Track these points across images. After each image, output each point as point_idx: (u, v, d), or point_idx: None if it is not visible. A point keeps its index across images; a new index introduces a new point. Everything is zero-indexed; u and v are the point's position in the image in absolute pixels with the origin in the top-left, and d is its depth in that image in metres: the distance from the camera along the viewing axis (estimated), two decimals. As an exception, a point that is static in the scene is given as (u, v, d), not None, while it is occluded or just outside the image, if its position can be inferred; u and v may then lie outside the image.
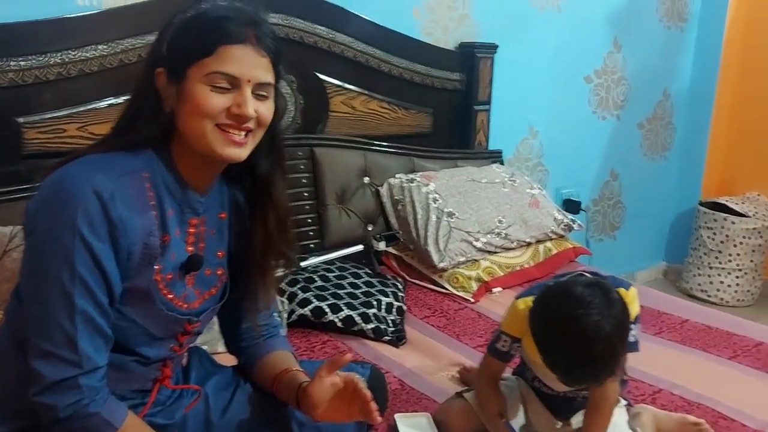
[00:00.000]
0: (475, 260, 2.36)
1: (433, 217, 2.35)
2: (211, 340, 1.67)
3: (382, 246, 2.33)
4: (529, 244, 2.49)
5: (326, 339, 1.89)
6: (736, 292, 3.51)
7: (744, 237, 3.44)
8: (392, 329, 1.95)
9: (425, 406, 1.56)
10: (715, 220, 3.49)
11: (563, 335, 1.20)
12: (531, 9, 3.01)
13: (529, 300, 1.33)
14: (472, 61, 2.74)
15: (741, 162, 3.74)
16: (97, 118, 1.89)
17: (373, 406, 1.14)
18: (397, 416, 1.46)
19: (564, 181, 3.38)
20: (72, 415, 1.02)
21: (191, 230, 1.17)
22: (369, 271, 2.21)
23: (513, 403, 1.46)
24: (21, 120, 1.80)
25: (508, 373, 1.57)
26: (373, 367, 1.49)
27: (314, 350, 1.83)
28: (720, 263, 3.51)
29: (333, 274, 2.10)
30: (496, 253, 2.41)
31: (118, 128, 1.12)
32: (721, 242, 3.48)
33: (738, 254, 3.47)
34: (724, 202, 3.53)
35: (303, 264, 2.15)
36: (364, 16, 2.45)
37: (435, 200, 2.39)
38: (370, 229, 2.45)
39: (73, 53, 1.85)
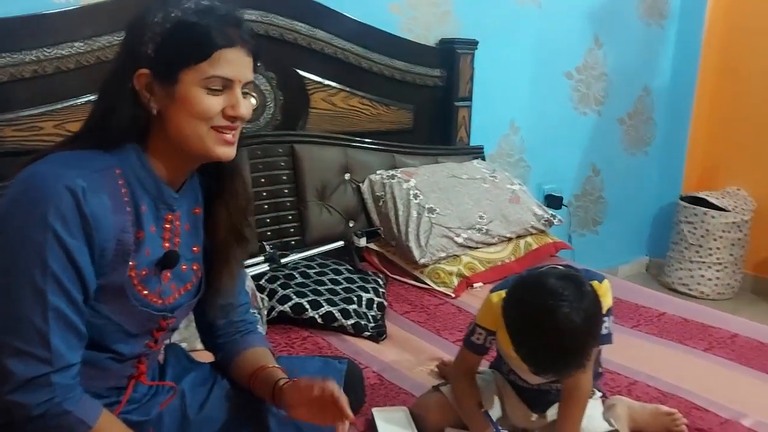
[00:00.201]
0: (456, 256, 2.37)
1: (414, 213, 2.36)
2: (190, 337, 1.67)
3: (362, 242, 2.33)
4: (509, 240, 2.51)
5: (306, 335, 1.89)
6: (716, 285, 3.55)
7: (724, 231, 3.48)
8: (372, 325, 1.96)
9: (403, 400, 1.57)
10: (696, 215, 3.53)
11: (534, 326, 1.21)
12: (513, 5, 3.02)
13: (503, 293, 1.34)
14: (452, 57, 2.75)
15: (721, 156, 3.77)
16: (75, 115, 1.88)
17: (349, 415, 1.14)
18: (375, 410, 1.47)
19: (546, 176, 3.40)
20: (45, 413, 1.01)
21: (167, 226, 1.17)
22: (350, 268, 2.21)
23: (489, 396, 1.47)
24: (-3, 118, 1.80)
25: (485, 366, 1.58)
26: (350, 361, 1.50)
27: (294, 346, 1.83)
28: (700, 257, 3.54)
29: (313, 271, 2.11)
30: (476, 248, 2.42)
31: (89, 126, 1.12)
32: (702, 236, 3.52)
33: (718, 248, 3.50)
34: (704, 196, 3.57)
35: (283, 261, 2.15)
36: (343, 13, 2.45)
37: (416, 196, 2.40)
38: (351, 225, 2.46)
39: (49, 50, 1.84)
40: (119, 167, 1.08)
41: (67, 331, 1.02)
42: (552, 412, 1.43)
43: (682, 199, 3.65)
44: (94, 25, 1.91)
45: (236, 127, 1.11)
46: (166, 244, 1.16)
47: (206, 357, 1.42)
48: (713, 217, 3.48)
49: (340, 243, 2.31)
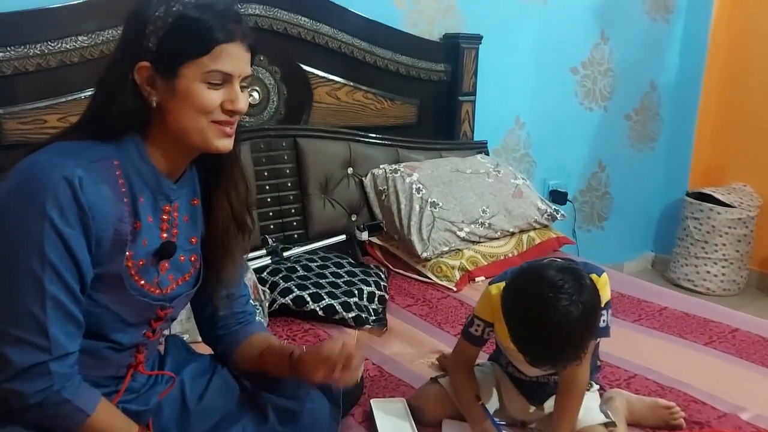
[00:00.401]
0: (459, 250, 2.37)
1: (417, 207, 2.36)
2: (191, 329, 1.68)
3: (364, 236, 2.34)
4: (512, 234, 2.51)
5: (308, 327, 1.90)
6: (722, 282, 3.53)
7: (729, 227, 3.46)
8: (373, 318, 1.96)
9: (403, 392, 1.58)
10: (701, 211, 3.51)
11: (533, 318, 1.22)
12: (517, 0, 3.01)
13: (502, 285, 1.34)
14: (456, 52, 2.75)
15: (727, 152, 3.75)
16: (78, 109, 1.85)
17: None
18: (373, 401, 1.47)
19: (551, 172, 3.39)
20: (42, 401, 1.03)
21: (164, 217, 1.18)
22: (352, 261, 2.22)
23: (487, 388, 1.47)
24: (1, 111, 1.82)
25: (484, 359, 1.59)
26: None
27: (296, 339, 1.84)
28: (706, 253, 3.53)
29: (315, 264, 2.12)
30: (479, 242, 2.43)
31: (87, 117, 1.13)
32: (707, 232, 3.50)
33: (724, 244, 3.48)
34: (710, 192, 3.55)
35: (286, 254, 2.16)
36: (348, 8, 2.46)
37: (418, 190, 2.40)
38: (354, 219, 2.46)
39: (53, 44, 1.86)
40: (117, 158, 1.09)
41: (65, 319, 1.04)
42: (550, 405, 1.43)
43: (688, 195, 3.64)
44: (97, 19, 1.92)
45: (234, 120, 1.13)
46: (164, 235, 1.18)
47: (207, 349, 1.43)
48: (719, 213, 3.46)
49: (343, 237, 2.32)
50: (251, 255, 2.09)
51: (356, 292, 2.01)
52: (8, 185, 1.04)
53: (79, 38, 1.90)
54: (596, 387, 1.48)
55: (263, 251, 2.13)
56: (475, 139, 2.90)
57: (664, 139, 3.85)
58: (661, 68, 3.72)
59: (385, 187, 2.44)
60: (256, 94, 2.30)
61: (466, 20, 2.85)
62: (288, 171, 2.35)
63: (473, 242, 2.41)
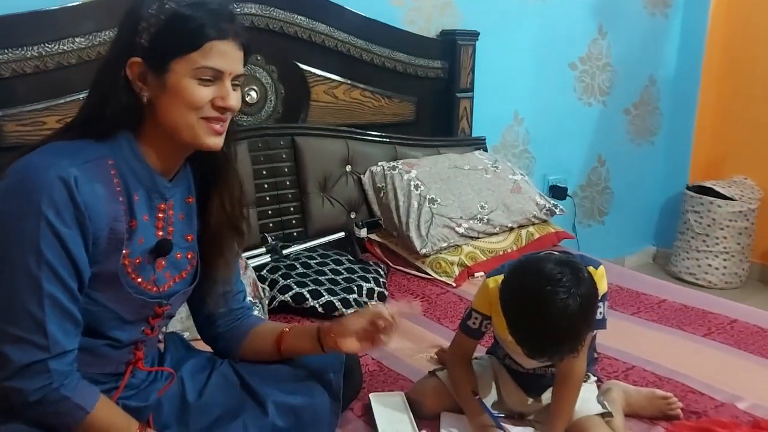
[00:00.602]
0: (458, 246, 2.38)
1: (415, 204, 2.37)
2: (191, 327, 1.68)
3: (363, 233, 2.35)
4: (511, 229, 2.52)
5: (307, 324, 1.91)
6: (723, 275, 3.53)
7: (730, 220, 3.46)
8: (373, 314, 1.97)
9: (402, 386, 1.58)
10: (702, 204, 3.51)
11: (532, 311, 1.22)
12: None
13: (499, 278, 1.35)
14: (453, 48, 2.75)
15: (727, 145, 3.75)
16: (77, 110, 1.90)
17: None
18: (372, 395, 1.48)
19: (551, 167, 3.39)
20: (42, 399, 1.04)
21: (160, 215, 1.19)
22: (351, 258, 2.23)
23: (485, 381, 1.48)
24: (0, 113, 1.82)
25: (482, 353, 1.60)
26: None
27: (295, 335, 1.85)
28: (707, 246, 3.53)
29: (315, 261, 2.13)
30: (478, 238, 2.43)
31: (82, 116, 1.15)
32: (708, 226, 3.50)
33: (725, 237, 3.49)
34: (710, 185, 3.55)
35: (285, 252, 2.17)
36: (344, 6, 2.47)
37: (417, 187, 2.41)
38: (353, 216, 2.47)
39: (51, 46, 1.87)
40: (111, 157, 1.10)
41: (62, 318, 1.05)
42: (547, 396, 1.44)
43: (689, 188, 3.64)
44: (94, 21, 1.93)
45: (225, 118, 1.14)
46: (160, 233, 1.19)
47: (206, 346, 1.45)
48: (719, 206, 3.46)
49: (342, 234, 2.33)
50: (251, 253, 2.10)
51: (355, 288, 2.02)
52: (3, 186, 1.05)
53: (77, 40, 1.91)
54: (594, 378, 1.49)
55: (263, 249, 2.14)
56: (474, 135, 2.90)
57: (663, 133, 3.85)
58: (659, 62, 3.72)
59: (384, 184, 2.45)
60: (253, 93, 2.31)
61: (463, 17, 2.85)
62: (286, 169, 2.36)
63: (472, 238, 2.41)
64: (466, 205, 2.43)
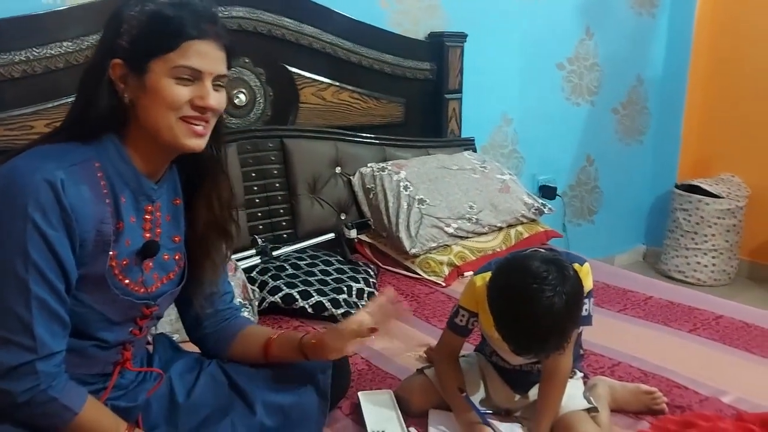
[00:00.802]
0: (447, 245, 2.39)
1: (404, 205, 2.38)
2: (181, 329, 1.68)
3: (353, 234, 2.36)
4: (500, 229, 2.53)
5: (297, 325, 1.92)
6: (712, 272, 3.56)
7: (718, 218, 3.49)
8: (362, 314, 1.98)
9: (390, 384, 1.60)
10: (690, 202, 3.54)
11: (518, 309, 1.24)
12: (501, -3, 3.04)
13: (486, 276, 1.37)
14: (441, 50, 2.77)
15: (715, 144, 3.78)
16: (65, 114, 1.90)
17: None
18: (361, 394, 1.49)
19: (540, 167, 3.42)
20: (30, 400, 1.04)
21: (147, 217, 1.20)
22: (340, 259, 2.24)
23: (473, 378, 1.49)
24: (-13, 117, 1.83)
25: (470, 351, 1.61)
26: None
27: (285, 336, 1.86)
28: (696, 244, 3.55)
29: (304, 262, 2.14)
30: (467, 238, 2.45)
31: (69, 120, 1.16)
32: (697, 223, 3.53)
33: (713, 235, 3.51)
34: (698, 183, 3.58)
35: (275, 253, 2.18)
36: (331, 8, 2.48)
37: (406, 188, 2.42)
38: (343, 218, 2.48)
39: (38, 50, 1.88)
40: (98, 160, 1.11)
41: (50, 319, 1.05)
42: (534, 393, 1.45)
43: (677, 187, 3.66)
44: (82, 25, 1.94)
45: (206, 118, 1.13)
46: (147, 235, 1.19)
47: (195, 347, 1.45)
48: (708, 204, 3.49)
49: (331, 235, 2.34)
50: (241, 255, 2.11)
51: (345, 289, 2.03)
52: None
53: (64, 44, 1.92)
54: (580, 375, 1.51)
55: (252, 251, 2.15)
56: (463, 136, 2.92)
57: (652, 133, 3.88)
58: (647, 62, 3.75)
59: (373, 185, 2.46)
60: (242, 96, 2.32)
61: (450, 19, 2.87)
62: (276, 171, 2.37)
63: (461, 238, 2.43)
64: (454, 205, 2.45)
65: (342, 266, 2.17)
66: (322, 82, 2.51)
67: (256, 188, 2.32)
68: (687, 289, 2.28)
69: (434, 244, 2.36)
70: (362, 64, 2.60)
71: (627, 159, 3.80)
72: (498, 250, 2.46)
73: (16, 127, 1.86)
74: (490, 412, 1.46)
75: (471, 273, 2.30)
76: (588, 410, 1.39)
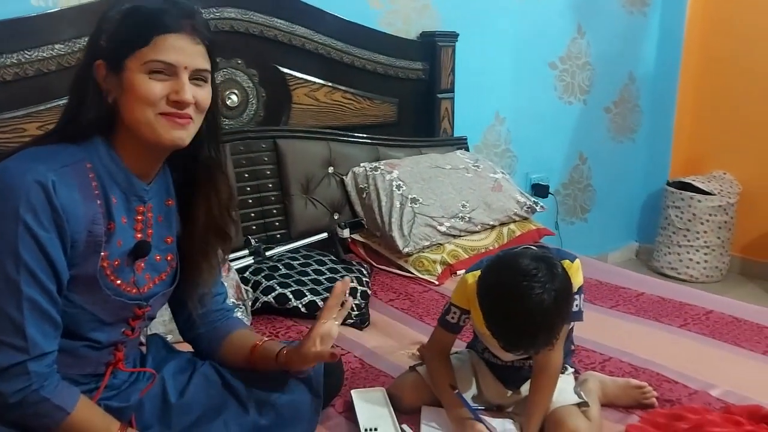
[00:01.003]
0: (440, 244, 2.40)
1: (397, 204, 2.39)
2: (175, 330, 1.69)
3: (346, 233, 2.37)
4: (493, 227, 2.54)
5: (290, 324, 1.93)
6: (704, 269, 3.58)
7: (710, 215, 3.51)
8: (356, 313, 1.99)
9: (383, 382, 1.60)
10: (682, 200, 3.56)
11: (508, 306, 1.25)
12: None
13: (477, 273, 1.38)
14: (433, 50, 2.78)
15: (706, 141, 3.80)
16: (57, 116, 1.90)
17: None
18: (353, 392, 1.50)
19: (533, 166, 3.43)
20: (22, 400, 1.05)
21: (139, 217, 1.20)
22: (334, 259, 2.25)
23: (465, 375, 1.50)
24: (-21, 120, 1.84)
25: (462, 348, 1.62)
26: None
27: (279, 335, 1.87)
28: (688, 241, 3.58)
29: (297, 262, 2.14)
30: (460, 236, 2.46)
31: (61, 122, 1.16)
32: (689, 221, 3.55)
33: (705, 231, 3.53)
34: (690, 181, 3.60)
35: (268, 254, 2.18)
36: (323, 9, 2.49)
37: (399, 187, 2.43)
38: (336, 217, 2.49)
39: (30, 53, 1.88)
40: (89, 161, 1.12)
41: (41, 320, 1.06)
42: (526, 388, 1.46)
43: (669, 184, 3.68)
44: (73, 27, 1.95)
45: (186, 114, 1.12)
46: (138, 235, 1.20)
47: (189, 347, 1.46)
48: (699, 201, 3.51)
49: (324, 235, 2.34)
50: (234, 255, 2.11)
51: (338, 288, 2.03)
52: None
53: (56, 46, 1.92)
54: (571, 370, 1.52)
55: (246, 251, 2.16)
56: (456, 135, 2.93)
57: (644, 131, 3.90)
58: (638, 60, 3.77)
59: (366, 185, 2.47)
60: (234, 97, 2.33)
61: (442, 18, 2.88)
62: (269, 172, 2.38)
63: (454, 236, 2.44)
64: (447, 204, 2.46)
65: (335, 266, 2.18)
66: (315, 83, 2.52)
67: (249, 189, 2.33)
68: (678, 285, 2.30)
69: (427, 243, 2.37)
70: (355, 65, 2.61)
71: (619, 157, 3.82)
72: (491, 248, 2.47)
73: (8, 130, 1.87)
74: (482, 408, 1.48)
75: (464, 272, 2.34)
76: (579, 405, 1.39)
